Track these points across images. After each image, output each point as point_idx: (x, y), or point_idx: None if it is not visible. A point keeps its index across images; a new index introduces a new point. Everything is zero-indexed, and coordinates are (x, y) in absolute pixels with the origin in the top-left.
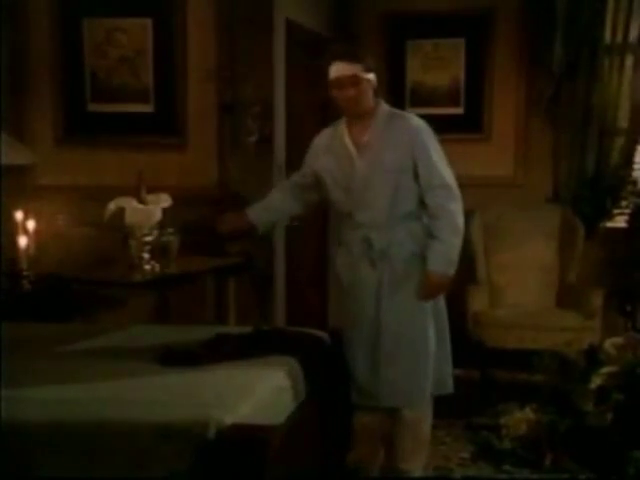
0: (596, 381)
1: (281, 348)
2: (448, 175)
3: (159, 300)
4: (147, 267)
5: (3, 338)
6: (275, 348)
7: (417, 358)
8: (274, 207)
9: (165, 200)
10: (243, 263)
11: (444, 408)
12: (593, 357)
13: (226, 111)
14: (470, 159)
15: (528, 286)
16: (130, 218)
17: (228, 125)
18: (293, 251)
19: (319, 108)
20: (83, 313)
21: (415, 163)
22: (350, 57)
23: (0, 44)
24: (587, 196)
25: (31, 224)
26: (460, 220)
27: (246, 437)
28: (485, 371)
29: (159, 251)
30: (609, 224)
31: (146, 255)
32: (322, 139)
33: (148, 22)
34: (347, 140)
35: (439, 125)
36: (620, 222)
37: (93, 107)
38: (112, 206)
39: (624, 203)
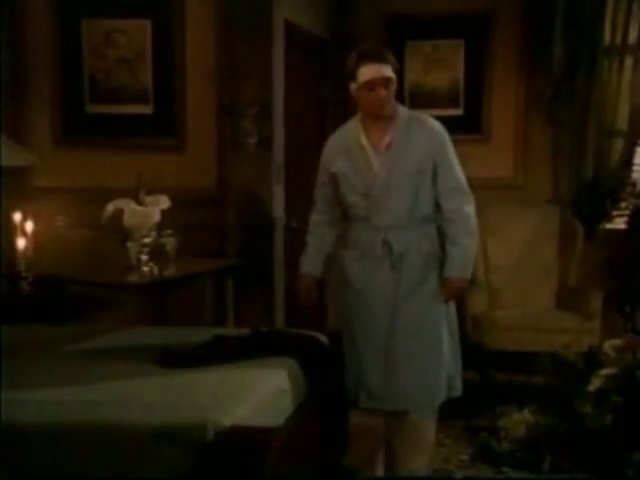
0: (595, 383)
1: (280, 349)
2: (463, 178)
3: (158, 302)
4: (145, 269)
5: (3, 340)
6: (274, 349)
7: (431, 360)
8: (320, 250)
9: (164, 202)
10: (242, 265)
11: (443, 410)
12: (592, 359)
13: (225, 112)
14: (469, 160)
15: (527, 288)
16: (129, 220)
17: (227, 126)
18: (292, 253)
19: (318, 109)
20: (81, 315)
21: (435, 166)
22: (383, 58)
23: (0, 45)
24: (586, 198)
25: (29, 226)
26: (475, 223)
27: (245, 439)
28: (484, 373)
29: (158, 253)
30: (608, 226)
31: (144, 257)
32: (335, 142)
33: (147, 23)
34: (365, 142)
35: None
36: (619, 224)
37: (92, 108)
38: (110, 208)
39: (623, 205)
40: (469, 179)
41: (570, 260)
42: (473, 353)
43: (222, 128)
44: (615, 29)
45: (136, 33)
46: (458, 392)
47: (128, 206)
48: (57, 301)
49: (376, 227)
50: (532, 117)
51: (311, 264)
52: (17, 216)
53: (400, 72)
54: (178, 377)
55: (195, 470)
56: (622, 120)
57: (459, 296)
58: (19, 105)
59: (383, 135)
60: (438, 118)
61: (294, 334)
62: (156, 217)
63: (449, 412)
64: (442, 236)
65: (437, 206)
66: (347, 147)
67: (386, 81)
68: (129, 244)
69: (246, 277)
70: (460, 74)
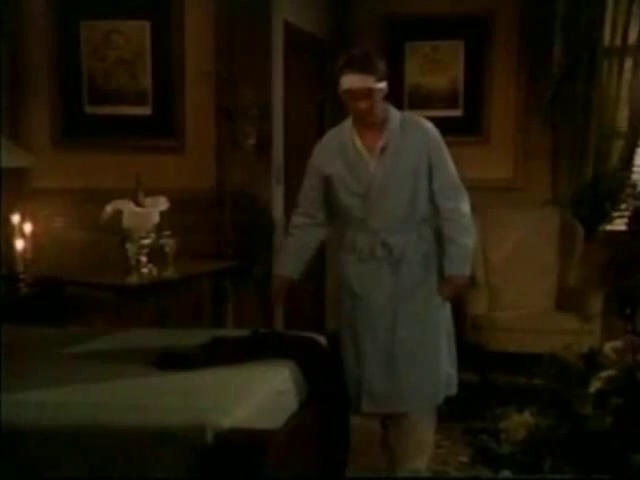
0: (595, 385)
1: (279, 351)
2: (457, 178)
3: (156, 303)
4: (144, 270)
5: (3, 342)
6: (273, 351)
7: (431, 360)
8: (298, 253)
9: (163, 203)
10: (241, 266)
11: (443, 411)
12: (592, 361)
13: (224, 114)
14: (469, 162)
15: (527, 289)
16: (127, 221)
17: (226, 128)
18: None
19: (317, 110)
20: (80, 317)
21: (430, 166)
22: (364, 68)
23: (0, 48)
24: (586, 199)
25: (28, 227)
26: (471, 221)
27: (244, 442)
28: (484, 374)
29: (156, 254)
30: (608, 227)
31: (143, 258)
32: (329, 144)
33: (146, 24)
34: (360, 145)
35: (438, 127)
36: (619, 225)
37: (91, 109)
38: (109, 209)
39: (623, 206)
40: (469, 180)
41: (570, 261)
42: (473, 354)
43: (221, 129)
44: (615, 30)
45: (135, 34)
46: (454, 390)
47: (127, 207)
48: (56, 302)
49: (373, 229)
50: (532, 118)
51: (286, 266)
52: (16, 217)
53: (399, 73)
54: (177, 379)
55: (194, 472)
56: (622, 121)
57: (459, 294)
58: (18, 106)
59: (377, 138)
60: (437, 119)
61: (293, 336)
62: (155, 218)
63: (448, 414)
64: (439, 236)
65: (433, 206)
66: (342, 149)
67: (367, 92)
68: (128, 245)
69: (245, 279)
70: (459, 75)
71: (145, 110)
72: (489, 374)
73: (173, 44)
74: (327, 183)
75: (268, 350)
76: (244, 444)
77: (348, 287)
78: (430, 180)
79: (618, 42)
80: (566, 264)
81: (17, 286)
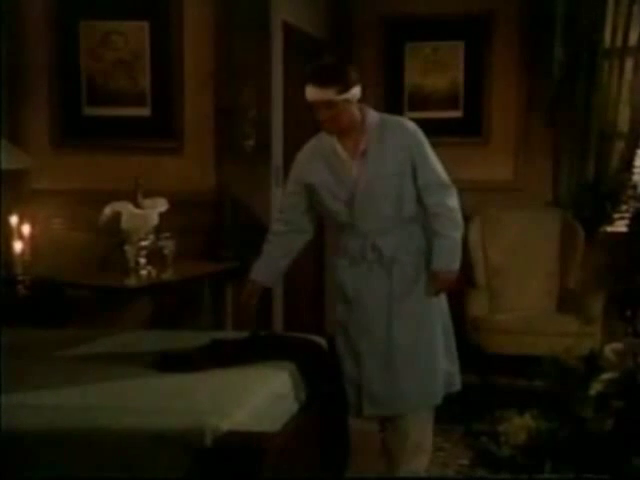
0: (596, 387)
1: (279, 354)
2: (443, 173)
3: (155, 305)
4: (143, 272)
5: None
6: (273, 354)
7: (429, 360)
8: (276, 260)
9: (162, 204)
10: (240, 268)
11: (443, 414)
12: (593, 363)
13: (223, 115)
14: (469, 163)
15: (528, 291)
16: (126, 223)
17: (225, 129)
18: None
19: None
20: (78, 319)
21: (414, 165)
22: (324, 81)
23: (0, 49)
24: (587, 200)
25: (26, 229)
26: (459, 215)
27: (243, 444)
28: (484, 376)
29: (155, 256)
30: (609, 228)
31: (142, 260)
32: (309, 153)
33: (145, 25)
34: (341, 152)
35: (438, 128)
36: (620, 226)
37: (89, 111)
38: (108, 210)
39: (624, 207)
40: (469, 181)
41: (571, 263)
42: (473, 356)
43: (220, 131)
44: (615, 31)
45: (134, 35)
46: (457, 387)
47: (126, 209)
48: (54, 304)
49: (363, 233)
50: (532, 119)
51: (261, 272)
52: (14, 219)
53: (399, 74)
54: (176, 381)
55: (193, 475)
56: (623, 122)
57: (448, 289)
58: (16, 107)
59: (357, 143)
60: (437, 120)
61: (293, 338)
62: (154, 220)
63: (449, 416)
64: (429, 233)
65: (421, 204)
66: (324, 156)
67: (327, 104)
68: (127, 247)
69: (244, 280)
70: (460, 76)
71: (144, 111)
72: (489, 376)
73: (172, 45)
74: (311, 191)
75: (268, 352)
76: (243, 447)
77: (342, 291)
78: (415, 179)
79: (619, 43)
80: (566, 265)
81: (16, 288)
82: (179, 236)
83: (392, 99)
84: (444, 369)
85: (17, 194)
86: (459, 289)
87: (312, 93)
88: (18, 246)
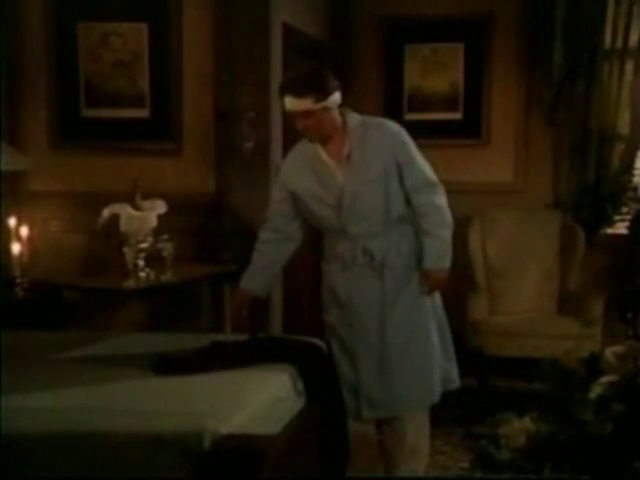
0: (596, 390)
1: (278, 356)
2: (429, 172)
3: (154, 308)
4: (142, 274)
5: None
6: (272, 356)
7: (424, 358)
8: (266, 269)
9: (160, 206)
10: (239, 270)
11: (443, 416)
12: (593, 366)
13: (222, 116)
14: (469, 164)
15: (528, 293)
16: (125, 225)
17: (224, 130)
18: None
19: None
20: (77, 321)
21: (400, 166)
22: (300, 91)
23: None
24: (587, 202)
25: (24, 231)
26: (448, 213)
27: (242, 448)
28: (484, 379)
29: (154, 258)
30: (610, 230)
31: (141, 262)
32: (294, 160)
33: (144, 26)
34: (325, 157)
35: (438, 130)
36: (621, 228)
37: (88, 112)
38: (106, 212)
39: (625, 209)
40: (469, 184)
41: (571, 265)
42: (473, 359)
43: (219, 132)
44: (616, 32)
45: (133, 36)
46: (455, 383)
47: (124, 211)
48: (52, 307)
49: (353, 237)
50: (532, 121)
51: (252, 281)
52: (12, 221)
53: (399, 75)
54: (175, 384)
55: (191, 478)
56: (623, 124)
57: (440, 287)
58: (15, 109)
59: (340, 147)
60: (437, 122)
61: (292, 340)
62: (152, 222)
63: (448, 419)
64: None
65: (409, 204)
66: (309, 162)
67: (305, 113)
68: (125, 249)
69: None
70: (459, 77)
71: (143, 113)
72: (489, 379)
73: (171, 46)
74: (299, 198)
75: (267, 355)
76: (242, 450)
77: (334, 296)
78: (401, 179)
79: (619, 44)
80: (567, 268)
81: (14, 290)
82: (178, 238)
83: (392, 101)
84: (441, 365)
85: (15, 196)
86: (455, 289)
87: (290, 104)
88: (16, 248)
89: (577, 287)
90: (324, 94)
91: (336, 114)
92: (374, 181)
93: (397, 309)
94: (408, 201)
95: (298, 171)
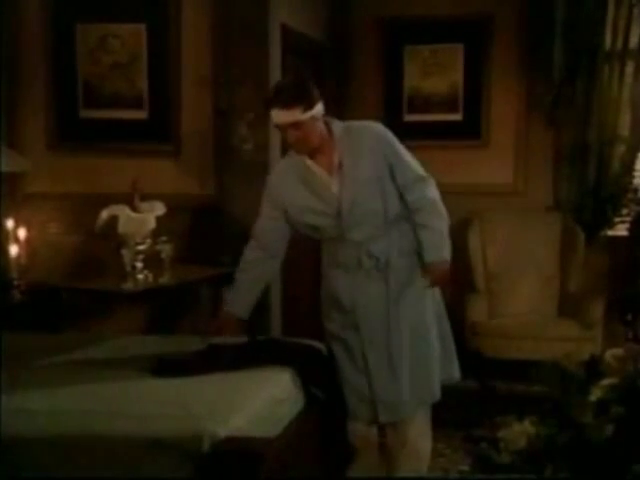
0: (596, 393)
1: (277, 358)
2: (418, 167)
3: (152, 310)
4: (140, 276)
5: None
6: (271, 358)
7: (425, 359)
8: (251, 290)
9: (159, 208)
10: None
11: (443, 419)
12: (593, 368)
13: (221, 118)
14: (469, 166)
15: (528, 295)
16: (123, 226)
17: (223, 132)
18: (289, 261)
19: None
20: (75, 323)
21: (390, 166)
22: (288, 102)
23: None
24: (588, 204)
25: (22, 232)
26: (441, 205)
27: (241, 450)
28: (484, 381)
29: (153, 260)
30: (610, 232)
31: (139, 264)
32: (283, 174)
33: (142, 28)
34: (316, 169)
35: (437, 131)
36: (621, 230)
37: (86, 113)
38: (105, 214)
39: (625, 211)
40: (468, 185)
41: (571, 267)
42: (472, 361)
43: (218, 134)
44: (616, 34)
45: (131, 37)
46: (456, 376)
47: (123, 212)
48: (50, 309)
49: (355, 242)
50: (532, 122)
51: (237, 304)
52: (9, 222)
53: (398, 77)
54: (173, 386)
55: None
56: (623, 126)
57: (443, 281)
58: (13, 110)
59: (330, 158)
60: (437, 123)
61: (291, 343)
62: (151, 224)
63: (448, 421)
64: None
65: (402, 200)
66: (300, 177)
67: (295, 125)
68: (124, 251)
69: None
70: (459, 79)
71: (141, 114)
72: (489, 381)
73: (169, 47)
74: (293, 214)
75: (266, 357)
76: (241, 453)
77: (335, 301)
78: (393, 178)
79: (619, 46)
80: (567, 270)
81: (11, 292)
82: (176, 240)
83: (391, 102)
84: (438, 357)
85: (13, 197)
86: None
87: (278, 116)
88: (14, 250)
89: (577, 289)
90: (310, 103)
91: (322, 124)
92: (369, 185)
93: (400, 308)
94: (401, 198)
95: (289, 186)
